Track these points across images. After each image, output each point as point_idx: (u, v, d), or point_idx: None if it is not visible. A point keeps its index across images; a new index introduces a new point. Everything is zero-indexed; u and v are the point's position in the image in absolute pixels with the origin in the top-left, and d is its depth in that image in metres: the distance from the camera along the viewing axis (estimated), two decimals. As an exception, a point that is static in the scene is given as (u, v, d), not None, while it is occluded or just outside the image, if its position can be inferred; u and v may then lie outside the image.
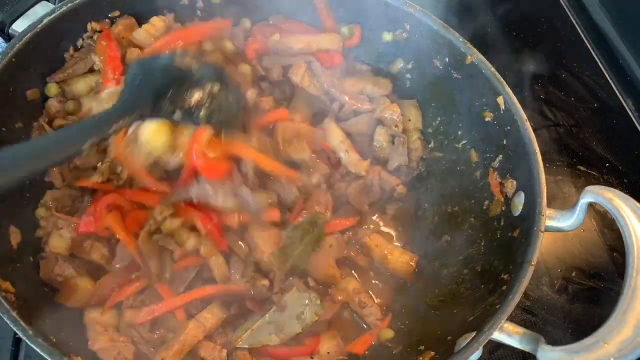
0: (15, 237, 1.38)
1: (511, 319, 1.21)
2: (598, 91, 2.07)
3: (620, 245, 1.23)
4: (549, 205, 1.34)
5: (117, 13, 1.61)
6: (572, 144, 1.94)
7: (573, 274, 1.76)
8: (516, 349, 1.21)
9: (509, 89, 1.50)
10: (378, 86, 1.75)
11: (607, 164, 1.95)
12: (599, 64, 2.16)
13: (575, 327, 1.65)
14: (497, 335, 1.19)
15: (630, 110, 2.06)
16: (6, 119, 1.44)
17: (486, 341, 1.18)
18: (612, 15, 2.22)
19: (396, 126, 1.69)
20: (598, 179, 1.92)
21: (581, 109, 1.97)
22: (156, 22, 1.64)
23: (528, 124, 1.44)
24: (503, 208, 1.48)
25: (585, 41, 2.21)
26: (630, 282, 1.17)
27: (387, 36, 1.74)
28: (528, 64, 2.04)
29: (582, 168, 1.90)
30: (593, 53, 2.18)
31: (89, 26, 1.58)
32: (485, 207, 1.55)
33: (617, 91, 2.10)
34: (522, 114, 1.46)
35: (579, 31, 2.25)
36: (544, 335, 1.19)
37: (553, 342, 1.17)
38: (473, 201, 1.60)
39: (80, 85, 1.58)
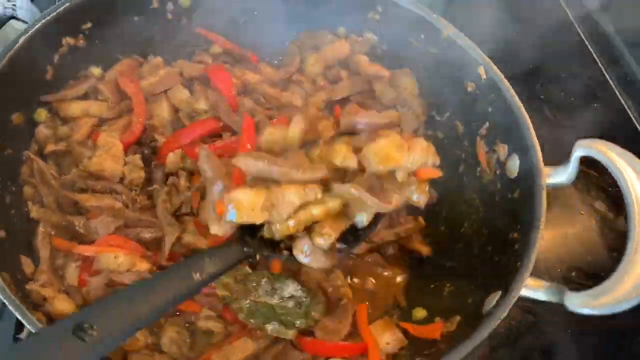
0: (28, 267, 1.34)
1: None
2: (598, 91, 2.07)
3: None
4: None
5: (89, 25, 1.57)
6: (571, 143, 1.98)
7: (573, 274, 1.75)
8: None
9: (488, 59, 1.53)
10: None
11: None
12: (599, 64, 2.17)
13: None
14: (523, 291, 1.24)
15: (630, 110, 2.07)
16: (-5, 147, 1.39)
17: (516, 299, 1.22)
18: (612, 15, 2.26)
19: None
20: (598, 179, 1.91)
21: (581, 109, 1.98)
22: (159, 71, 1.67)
23: (512, 90, 1.47)
24: (497, 172, 1.52)
25: (586, 41, 2.23)
26: (633, 224, 1.23)
27: None
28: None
29: (581, 168, 1.93)
30: (593, 53, 2.20)
31: (64, 41, 1.53)
32: (477, 174, 1.59)
33: (617, 91, 2.11)
34: (504, 81, 1.49)
35: (579, 30, 2.27)
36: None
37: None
38: (464, 169, 1.65)
39: (74, 108, 1.56)
